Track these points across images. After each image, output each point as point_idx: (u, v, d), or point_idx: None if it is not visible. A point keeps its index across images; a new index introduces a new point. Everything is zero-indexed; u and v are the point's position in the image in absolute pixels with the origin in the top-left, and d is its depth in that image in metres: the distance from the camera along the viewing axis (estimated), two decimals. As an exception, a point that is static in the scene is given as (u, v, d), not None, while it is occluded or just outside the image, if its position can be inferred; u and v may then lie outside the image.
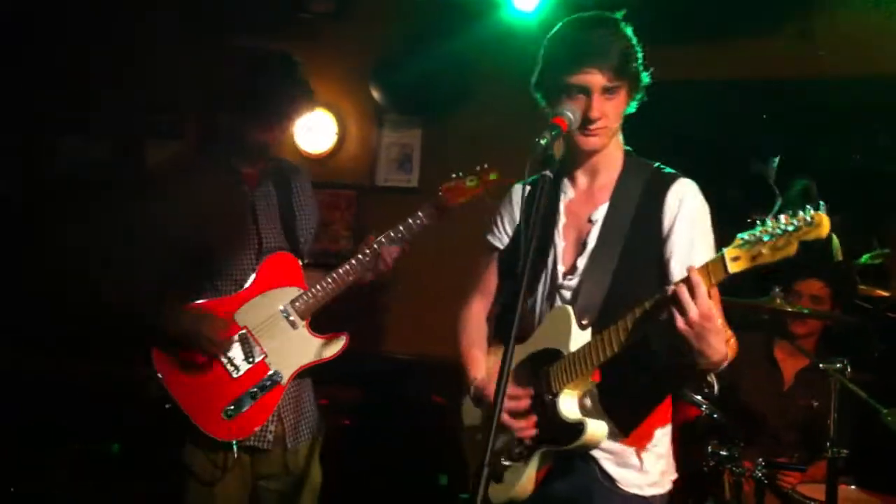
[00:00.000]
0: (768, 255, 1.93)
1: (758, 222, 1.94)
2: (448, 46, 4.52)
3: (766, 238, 1.92)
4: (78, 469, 4.35)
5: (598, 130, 2.35)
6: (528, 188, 2.39)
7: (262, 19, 4.79)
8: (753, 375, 3.99)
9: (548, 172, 2.20)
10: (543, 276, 2.48)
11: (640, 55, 2.38)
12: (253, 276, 3.08)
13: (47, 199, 5.05)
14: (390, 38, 4.89)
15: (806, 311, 3.89)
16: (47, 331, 4.43)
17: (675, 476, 2.50)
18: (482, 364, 2.56)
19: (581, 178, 2.50)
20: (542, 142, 2.17)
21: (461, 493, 4.10)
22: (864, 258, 4.74)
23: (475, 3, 4.60)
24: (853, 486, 3.57)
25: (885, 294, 4.26)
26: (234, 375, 3.02)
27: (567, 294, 2.43)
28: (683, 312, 2.01)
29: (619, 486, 2.39)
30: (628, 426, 2.38)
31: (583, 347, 2.28)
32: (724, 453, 3.61)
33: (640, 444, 2.41)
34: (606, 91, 2.31)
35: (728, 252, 1.98)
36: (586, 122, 2.33)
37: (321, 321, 3.18)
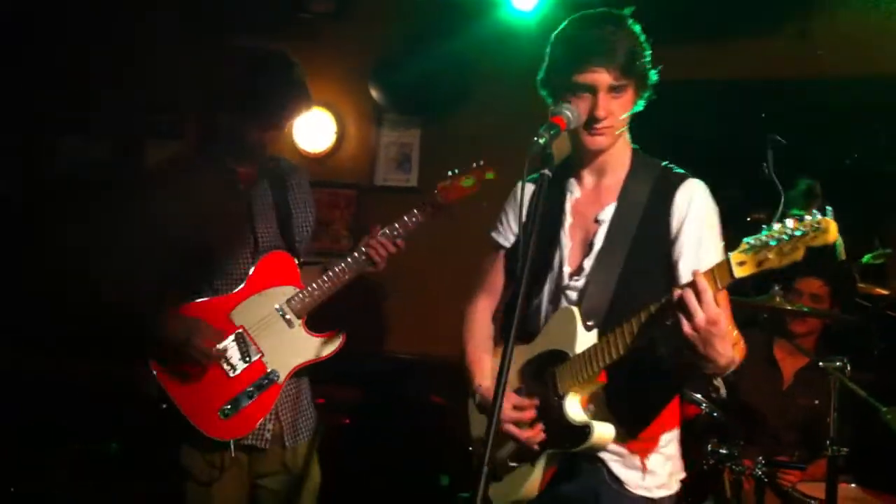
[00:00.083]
0: (775, 261, 1.91)
1: (764, 227, 1.93)
2: (447, 46, 4.53)
3: (772, 243, 1.90)
4: (78, 469, 4.34)
5: (604, 129, 2.33)
6: (531, 187, 2.39)
7: (261, 19, 4.79)
8: (753, 374, 3.99)
9: (546, 171, 2.19)
10: (549, 276, 2.47)
11: (647, 53, 2.36)
12: (249, 275, 3.07)
13: (47, 199, 5.05)
14: (389, 38, 4.90)
15: (806, 309, 3.89)
16: (47, 331, 4.43)
17: (682, 475, 2.50)
18: (488, 369, 2.55)
19: (588, 177, 2.48)
20: (541, 141, 2.15)
21: (461, 492, 4.13)
22: (866, 258, 4.74)
23: (474, 3, 4.61)
24: (853, 485, 3.57)
25: (885, 292, 4.26)
26: (231, 375, 3.02)
27: (573, 295, 2.41)
28: (690, 318, 2.00)
29: (627, 487, 2.38)
30: (636, 428, 2.37)
31: (589, 349, 2.27)
32: (723, 452, 3.61)
33: (649, 447, 2.40)
34: (613, 90, 2.29)
35: (734, 257, 1.97)
36: (593, 121, 2.31)
37: (319, 319, 3.17)
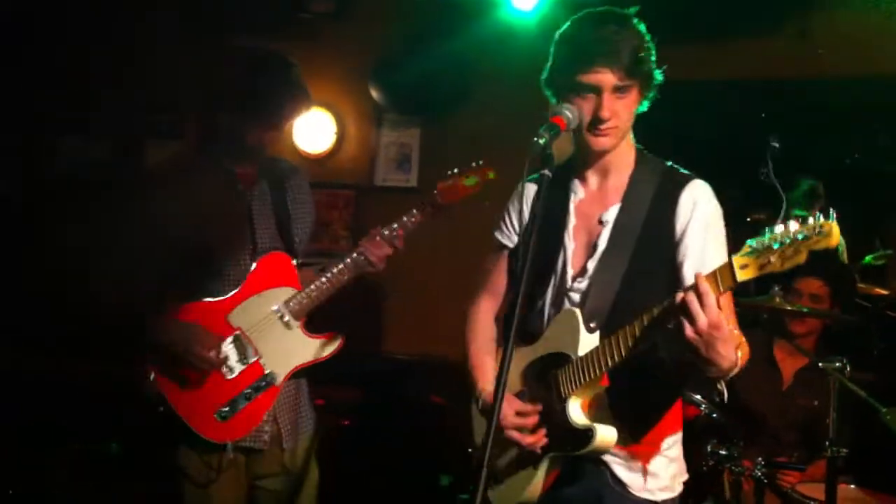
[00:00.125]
0: (777, 264, 1.90)
1: (766, 229, 1.91)
2: (447, 46, 4.54)
3: (775, 246, 1.89)
4: (78, 469, 4.34)
5: (608, 130, 2.31)
6: (533, 187, 2.37)
7: (261, 19, 4.79)
8: (752, 375, 3.95)
9: (547, 171, 2.18)
10: (553, 278, 2.45)
11: (653, 53, 2.33)
12: (247, 277, 3.06)
13: (47, 199, 5.05)
14: (389, 38, 4.90)
15: (805, 309, 3.89)
16: (47, 331, 4.42)
17: (685, 477, 2.49)
18: (491, 373, 2.53)
19: (591, 178, 2.46)
20: (541, 141, 2.14)
21: (462, 493, 4.13)
22: (868, 259, 4.74)
23: (474, 3, 4.61)
24: (853, 486, 3.57)
25: (885, 293, 4.26)
26: (229, 377, 3.00)
27: (576, 297, 2.40)
28: (692, 321, 1.98)
29: (630, 490, 2.37)
30: (639, 432, 2.36)
31: (591, 352, 2.26)
32: (723, 453, 3.61)
33: (651, 450, 2.39)
34: (617, 90, 2.27)
35: (737, 260, 1.95)
36: (597, 121, 2.29)
37: (319, 320, 3.16)
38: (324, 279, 3.07)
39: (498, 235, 2.64)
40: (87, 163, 5.34)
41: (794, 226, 1.88)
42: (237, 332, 3.03)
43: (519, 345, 2.49)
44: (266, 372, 3.03)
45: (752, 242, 1.94)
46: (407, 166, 5.02)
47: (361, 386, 4.61)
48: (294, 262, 3.14)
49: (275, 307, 3.06)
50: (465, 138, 4.64)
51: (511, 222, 2.61)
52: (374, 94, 4.93)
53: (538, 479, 2.37)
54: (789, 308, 3.76)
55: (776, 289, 3.65)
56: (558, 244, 2.45)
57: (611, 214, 2.40)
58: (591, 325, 2.31)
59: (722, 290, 1.98)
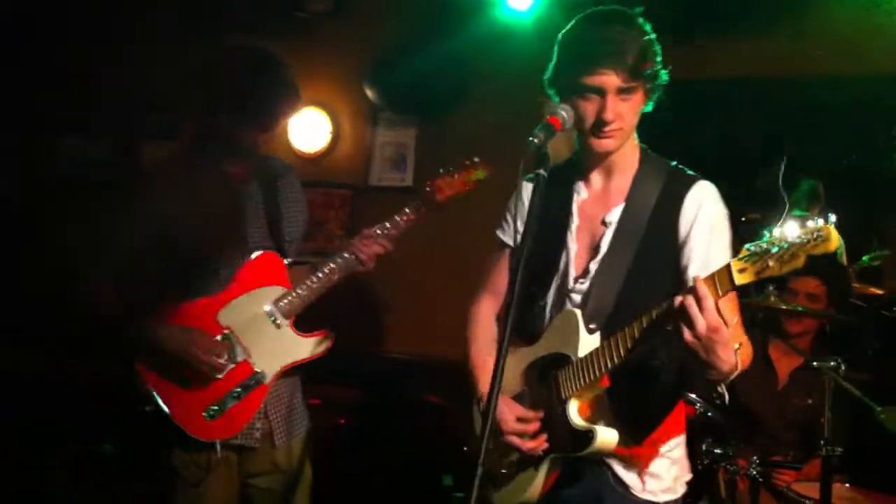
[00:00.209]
0: (775, 268, 1.88)
1: (765, 232, 1.90)
2: (443, 46, 4.53)
3: (773, 250, 1.87)
4: (78, 469, 4.35)
5: (612, 132, 2.29)
6: (531, 186, 2.34)
7: (257, 18, 4.80)
8: (748, 374, 3.95)
9: (542, 171, 2.17)
10: (555, 278, 2.44)
11: (658, 53, 2.30)
12: (236, 276, 3.05)
13: (47, 199, 5.06)
14: (384, 37, 4.90)
15: (801, 308, 3.89)
16: (47, 331, 4.44)
17: (688, 478, 2.48)
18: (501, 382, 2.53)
19: (595, 178, 2.45)
20: (536, 141, 2.13)
21: (459, 493, 4.14)
22: (865, 259, 4.74)
23: (470, 3, 4.61)
24: (847, 485, 3.58)
25: (880, 292, 4.26)
26: (217, 376, 3.00)
27: (577, 298, 2.38)
28: (691, 325, 1.97)
29: (632, 492, 2.36)
30: (641, 434, 2.34)
31: (591, 353, 2.25)
32: (718, 451, 3.61)
33: (654, 451, 2.38)
34: (622, 92, 2.24)
35: (735, 264, 1.94)
36: (601, 123, 2.27)
37: (316, 320, 3.16)
38: (314, 279, 3.07)
39: (499, 234, 2.63)
40: (87, 163, 5.35)
41: (792, 230, 1.86)
42: (226, 331, 3.03)
43: (520, 345, 2.49)
44: (255, 371, 3.02)
45: (750, 246, 1.92)
46: (402, 166, 5.02)
47: (360, 385, 4.62)
48: (285, 261, 3.14)
49: (264, 306, 3.06)
50: (461, 138, 4.62)
51: (513, 221, 2.59)
52: (370, 93, 4.93)
53: (538, 481, 2.36)
54: (785, 307, 3.77)
55: (771, 288, 3.65)
56: (561, 245, 2.44)
57: (614, 215, 2.38)
58: (592, 326, 2.30)
59: (720, 293, 1.97)
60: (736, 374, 2.09)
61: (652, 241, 2.33)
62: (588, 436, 2.25)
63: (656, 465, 2.38)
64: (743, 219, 4.20)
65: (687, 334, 1.98)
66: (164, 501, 3.06)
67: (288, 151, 4.99)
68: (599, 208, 2.42)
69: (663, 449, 2.40)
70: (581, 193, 2.46)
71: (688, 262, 2.28)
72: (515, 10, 4.46)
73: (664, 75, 2.32)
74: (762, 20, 4.37)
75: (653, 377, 2.30)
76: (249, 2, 4.88)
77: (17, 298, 4.56)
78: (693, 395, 3.72)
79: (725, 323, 1.99)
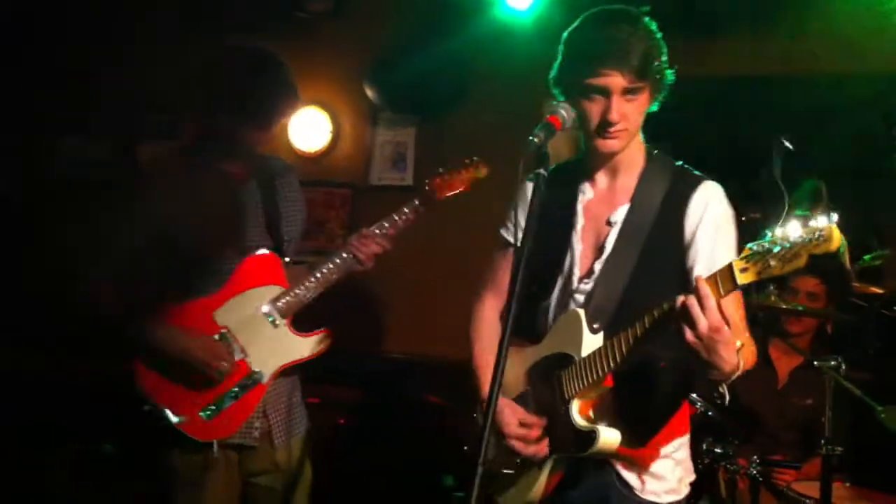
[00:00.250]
0: (777, 268, 1.87)
1: (767, 232, 1.89)
2: (442, 45, 4.53)
3: (775, 249, 1.86)
4: (78, 469, 4.35)
5: (617, 133, 2.28)
6: (531, 185, 2.35)
7: (257, 18, 4.80)
8: (748, 374, 3.97)
9: (542, 171, 2.16)
10: (560, 278, 2.43)
11: (664, 53, 2.29)
12: (233, 275, 3.05)
13: (47, 199, 5.07)
14: (384, 37, 4.90)
15: (801, 308, 3.89)
16: (47, 331, 4.44)
17: (692, 479, 2.47)
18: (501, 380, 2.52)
19: (600, 178, 2.44)
20: (536, 140, 2.12)
21: (459, 492, 4.14)
22: (866, 258, 4.73)
23: (469, 2, 4.61)
24: (848, 484, 3.57)
25: (880, 291, 4.26)
26: (222, 380, 2.99)
27: (581, 298, 2.38)
28: (692, 325, 1.96)
29: (636, 492, 2.35)
30: (646, 435, 2.33)
31: (594, 353, 2.24)
32: (718, 451, 3.61)
33: (658, 452, 2.37)
34: (627, 92, 2.23)
35: (737, 263, 1.93)
36: (606, 124, 2.25)
37: (316, 319, 3.16)
38: (312, 278, 3.07)
39: (503, 232, 2.62)
40: (87, 163, 5.35)
41: (794, 229, 1.85)
42: (223, 331, 3.02)
43: (524, 345, 2.48)
44: (252, 370, 3.02)
45: (752, 246, 1.91)
46: (402, 165, 5.02)
47: (361, 385, 4.62)
48: (284, 260, 3.14)
49: (262, 306, 3.06)
50: (461, 137, 4.63)
51: (517, 219, 2.57)
52: (370, 92, 4.93)
53: (542, 481, 2.36)
54: (785, 307, 3.76)
55: (772, 287, 3.65)
56: (566, 245, 2.43)
57: (619, 215, 2.37)
58: (595, 325, 2.29)
59: (722, 293, 1.96)
60: (738, 374, 2.08)
61: (657, 240, 2.32)
62: (591, 436, 2.24)
63: (660, 467, 2.38)
64: (743, 218, 4.20)
65: (689, 334, 1.97)
66: (163, 501, 3.05)
67: (288, 151, 5.00)
68: (604, 208, 2.41)
69: (667, 450, 2.39)
70: (586, 193, 2.45)
71: (693, 262, 2.27)
72: (515, 9, 4.46)
73: (670, 75, 2.31)
74: (762, 19, 4.37)
75: (658, 378, 2.29)
76: (249, 2, 4.89)
77: (17, 298, 4.56)
78: (693, 395, 3.72)
79: (727, 323, 1.99)
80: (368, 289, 4.75)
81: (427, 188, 3.14)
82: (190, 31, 4.91)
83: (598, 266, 2.36)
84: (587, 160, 2.45)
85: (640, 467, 2.36)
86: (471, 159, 3.17)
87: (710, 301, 1.95)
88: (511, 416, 2.37)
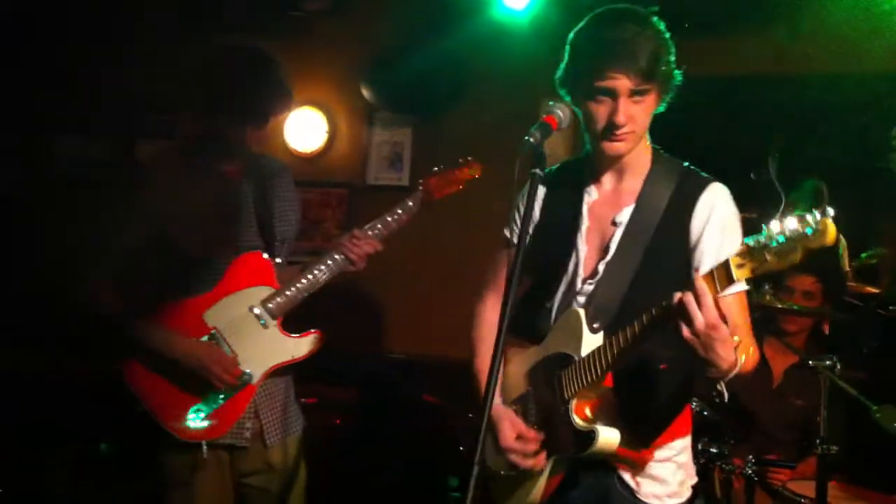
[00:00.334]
0: (773, 262, 1.86)
1: (763, 226, 1.88)
2: (439, 45, 4.53)
3: (772, 244, 1.85)
4: (78, 469, 4.35)
5: (624, 135, 2.25)
6: (540, 186, 2.34)
7: (255, 18, 4.81)
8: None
9: (538, 171, 2.14)
10: (564, 279, 2.42)
11: (672, 53, 2.25)
12: (224, 276, 3.03)
13: (47, 199, 5.08)
14: (381, 36, 4.91)
15: (796, 307, 3.89)
16: (47, 331, 4.44)
17: (694, 481, 2.46)
18: (498, 381, 2.51)
19: (606, 180, 2.42)
20: (532, 140, 2.12)
21: (456, 493, 4.15)
22: (862, 256, 4.74)
23: (466, 2, 4.61)
24: (843, 483, 3.58)
25: (876, 291, 4.27)
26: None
27: (583, 299, 2.36)
28: (689, 322, 1.96)
29: (638, 496, 2.34)
30: (648, 437, 2.32)
31: (593, 352, 2.23)
32: (713, 450, 3.60)
33: (660, 455, 2.36)
34: (634, 94, 2.20)
35: (733, 259, 1.92)
36: (612, 126, 2.23)
37: (313, 319, 3.14)
38: (303, 279, 3.05)
39: (506, 232, 2.60)
40: (87, 163, 5.36)
41: (789, 223, 1.84)
42: (213, 331, 3.00)
43: (526, 345, 2.48)
44: (242, 371, 2.99)
45: (748, 241, 1.90)
46: (399, 165, 5.02)
47: (356, 385, 4.62)
48: (276, 260, 3.12)
49: (251, 306, 3.03)
50: (458, 137, 4.61)
51: (520, 219, 2.54)
52: (366, 92, 4.93)
53: (542, 483, 2.35)
54: (780, 306, 3.76)
55: (767, 286, 3.66)
56: (570, 247, 2.41)
57: (624, 215, 2.36)
58: (595, 325, 2.28)
59: (719, 289, 1.95)
60: (736, 372, 2.07)
61: (662, 241, 2.31)
62: (590, 436, 2.23)
63: (662, 470, 2.37)
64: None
65: (685, 331, 1.97)
66: (158, 501, 3.06)
67: (284, 151, 5.00)
68: (610, 209, 2.39)
69: (669, 453, 2.38)
70: (592, 195, 2.43)
71: (699, 263, 2.25)
72: (512, 9, 4.46)
73: (678, 76, 2.29)
74: (760, 19, 4.37)
75: (659, 379, 2.28)
76: (247, 1, 4.89)
77: (17, 298, 4.57)
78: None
79: (724, 320, 1.98)
80: (365, 289, 4.76)
81: (421, 189, 3.13)
82: (189, 31, 4.93)
83: (601, 266, 2.35)
84: (593, 162, 2.42)
85: (644, 470, 2.34)
86: (465, 159, 3.16)
87: (707, 298, 1.94)
88: (509, 429, 2.36)
